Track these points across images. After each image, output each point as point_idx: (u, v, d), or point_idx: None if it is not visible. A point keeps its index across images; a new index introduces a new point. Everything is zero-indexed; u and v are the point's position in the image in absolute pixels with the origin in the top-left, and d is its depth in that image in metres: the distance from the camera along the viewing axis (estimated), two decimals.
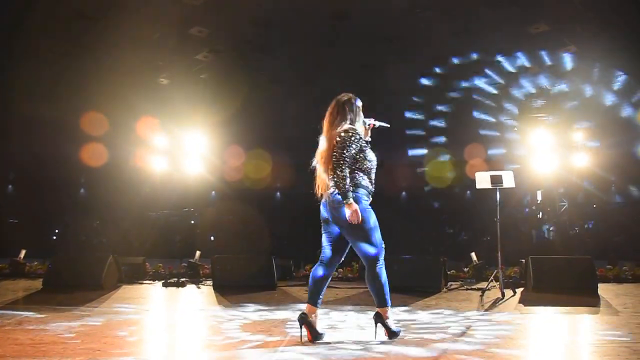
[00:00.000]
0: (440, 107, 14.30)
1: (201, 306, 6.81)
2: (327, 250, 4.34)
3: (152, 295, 7.64)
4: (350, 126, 4.30)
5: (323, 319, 5.54)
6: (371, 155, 4.37)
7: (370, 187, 4.32)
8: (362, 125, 4.45)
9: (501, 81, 13.35)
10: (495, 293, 7.11)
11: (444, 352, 3.97)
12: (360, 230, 4.14)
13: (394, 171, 13.18)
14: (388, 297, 4.24)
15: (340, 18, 10.43)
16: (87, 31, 10.37)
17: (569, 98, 13.12)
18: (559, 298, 6.74)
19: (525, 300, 6.78)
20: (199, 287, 8.31)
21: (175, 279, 8.54)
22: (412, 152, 14.66)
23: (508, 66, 12.90)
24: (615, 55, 11.63)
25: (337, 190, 4.12)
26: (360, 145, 4.27)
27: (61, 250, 12.26)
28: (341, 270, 8.92)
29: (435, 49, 11.82)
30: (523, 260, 8.01)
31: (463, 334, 4.71)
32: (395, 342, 4.25)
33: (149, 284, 8.70)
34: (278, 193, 15.56)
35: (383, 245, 4.24)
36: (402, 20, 10.39)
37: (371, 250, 4.17)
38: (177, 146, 10.23)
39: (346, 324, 5.25)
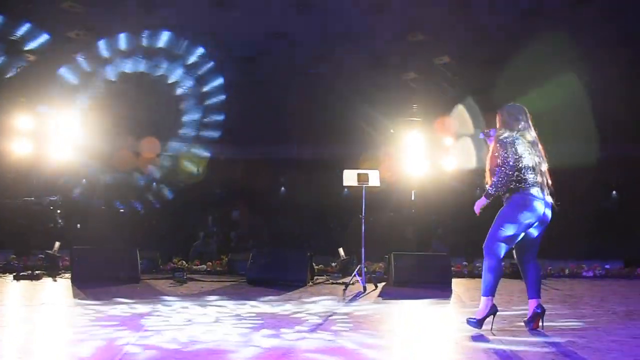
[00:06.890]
0: None
1: (53, 300, 6.39)
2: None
3: None
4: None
5: (182, 312, 5.44)
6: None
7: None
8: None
9: None
10: (358, 287, 7.37)
11: (296, 343, 4.05)
12: None
13: (273, 166, 13.17)
14: None
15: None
16: None
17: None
18: (416, 292, 7.18)
19: (384, 294, 7.13)
20: (55, 280, 7.80)
21: (29, 272, 7.95)
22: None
23: None
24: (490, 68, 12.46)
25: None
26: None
27: None
28: (210, 263, 8.80)
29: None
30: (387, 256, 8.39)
31: (318, 326, 4.83)
32: (251, 334, 4.30)
33: None
34: (154, 183, 15.00)
35: None
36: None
37: None
38: (44, 128, 9.52)
39: (206, 317, 5.18)
